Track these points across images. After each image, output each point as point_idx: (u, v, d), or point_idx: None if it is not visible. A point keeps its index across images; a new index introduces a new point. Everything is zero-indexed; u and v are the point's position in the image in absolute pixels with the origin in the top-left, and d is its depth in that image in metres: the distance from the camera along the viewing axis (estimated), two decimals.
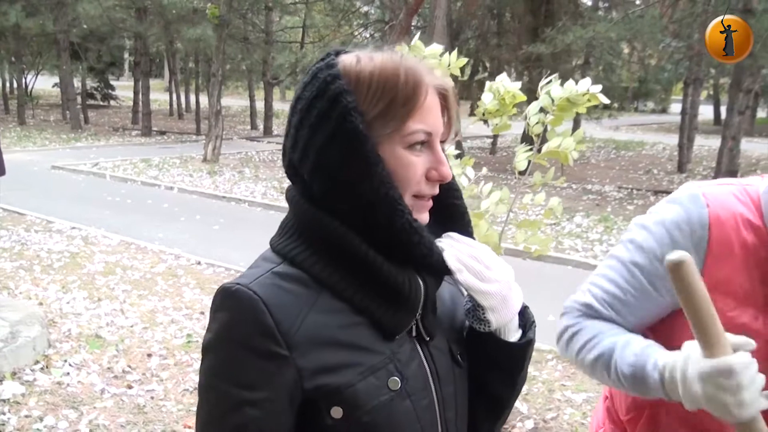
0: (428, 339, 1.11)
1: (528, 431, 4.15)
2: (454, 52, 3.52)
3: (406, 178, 1.02)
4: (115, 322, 5.65)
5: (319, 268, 1.03)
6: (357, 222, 1.01)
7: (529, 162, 3.56)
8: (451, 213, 1.15)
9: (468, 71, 28.55)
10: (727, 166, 13.29)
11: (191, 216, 10.57)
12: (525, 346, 1.16)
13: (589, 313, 1.48)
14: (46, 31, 22.36)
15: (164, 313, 5.94)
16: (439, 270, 1.08)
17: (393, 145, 1.01)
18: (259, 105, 26.08)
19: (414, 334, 1.10)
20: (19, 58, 24.68)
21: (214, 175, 14.61)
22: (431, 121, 1.03)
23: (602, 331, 1.43)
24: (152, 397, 4.37)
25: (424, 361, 1.09)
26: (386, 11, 21.56)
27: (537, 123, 3.39)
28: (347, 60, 1.03)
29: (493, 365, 1.17)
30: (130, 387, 4.49)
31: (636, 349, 1.33)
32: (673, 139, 20.91)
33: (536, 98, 3.44)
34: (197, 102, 25.55)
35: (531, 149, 3.57)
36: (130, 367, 4.79)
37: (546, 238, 3.74)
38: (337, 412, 1.00)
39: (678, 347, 1.23)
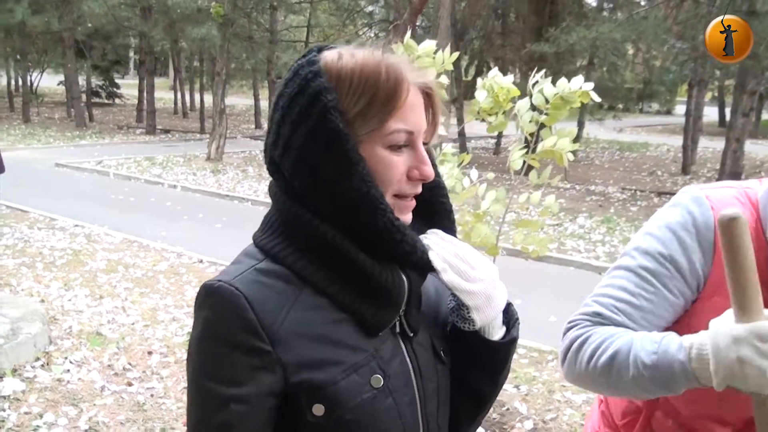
0: (411, 335, 1.11)
1: None
2: (447, 49, 3.50)
3: (387, 178, 1.02)
4: (116, 320, 5.66)
5: (301, 265, 1.03)
6: (339, 219, 1.01)
7: (525, 162, 3.54)
8: (436, 211, 1.15)
9: (472, 71, 28.57)
10: (731, 167, 13.28)
11: (194, 214, 10.59)
12: (508, 345, 1.16)
13: (599, 321, 1.40)
14: (52, 28, 22.39)
15: (165, 311, 5.95)
16: (423, 267, 1.08)
17: (374, 144, 1.01)
18: (264, 104, 26.07)
19: (398, 330, 1.10)
20: (25, 55, 24.72)
21: (218, 173, 14.62)
22: (413, 119, 1.02)
23: (615, 332, 1.35)
24: (152, 395, 4.38)
25: (407, 358, 1.10)
26: (390, 11, 21.56)
27: (531, 121, 3.36)
28: (329, 57, 1.03)
29: (475, 363, 1.17)
30: (130, 384, 4.50)
31: (655, 338, 1.27)
32: (678, 141, 20.86)
33: (529, 96, 3.41)
34: (202, 101, 25.58)
35: (526, 148, 3.54)
36: (130, 364, 4.80)
37: (544, 238, 3.73)
38: (318, 410, 1.00)
39: None
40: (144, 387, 4.47)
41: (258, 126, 26.15)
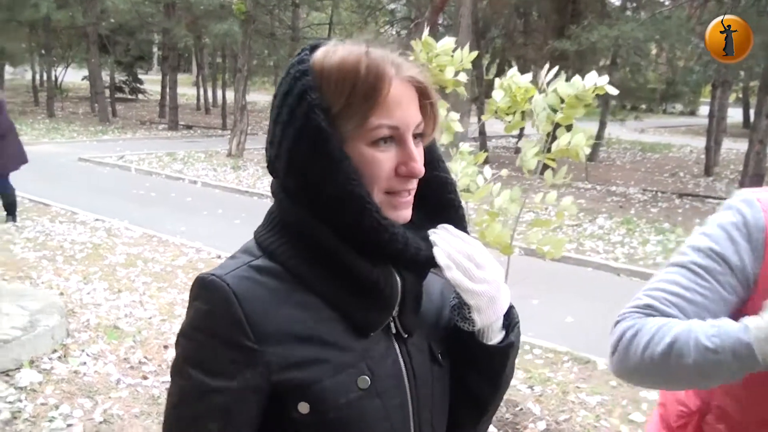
0: (406, 336, 1.09)
1: None
2: (466, 47, 3.48)
3: (372, 175, 1.00)
4: (133, 314, 5.71)
5: (295, 263, 1.03)
6: (332, 219, 1.01)
7: (540, 162, 3.50)
8: (445, 207, 1.13)
9: (494, 70, 28.49)
10: (754, 169, 13.12)
11: (213, 210, 10.65)
12: (505, 349, 1.13)
13: (650, 314, 1.38)
14: (76, 23, 22.66)
15: (183, 306, 5.98)
16: (418, 265, 1.06)
17: (358, 141, 0.99)
18: None
19: (393, 331, 1.09)
20: (49, 50, 25.05)
21: (238, 169, 14.69)
22: (398, 115, 1.00)
23: (669, 321, 1.33)
24: (167, 389, 4.40)
25: (400, 360, 1.08)
26: (412, 9, 21.53)
27: (546, 121, 3.32)
28: (318, 54, 1.02)
29: (473, 366, 1.15)
30: (145, 378, 4.54)
31: (715, 322, 1.27)
32: (701, 142, 20.65)
33: (544, 93, 3.37)
34: (224, 97, 25.74)
35: (539, 146, 3.49)
36: (146, 358, 4.84)
37: (561, 239, 3.69)
38: (303, 408, 1.00)
39: None
40: (159, 381, 4.51)
41: None
